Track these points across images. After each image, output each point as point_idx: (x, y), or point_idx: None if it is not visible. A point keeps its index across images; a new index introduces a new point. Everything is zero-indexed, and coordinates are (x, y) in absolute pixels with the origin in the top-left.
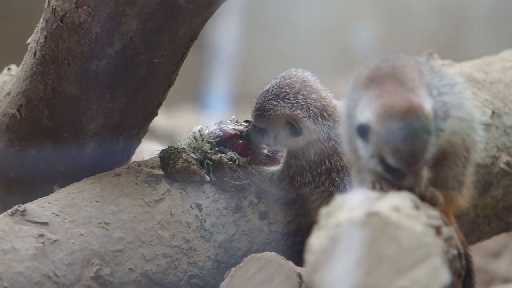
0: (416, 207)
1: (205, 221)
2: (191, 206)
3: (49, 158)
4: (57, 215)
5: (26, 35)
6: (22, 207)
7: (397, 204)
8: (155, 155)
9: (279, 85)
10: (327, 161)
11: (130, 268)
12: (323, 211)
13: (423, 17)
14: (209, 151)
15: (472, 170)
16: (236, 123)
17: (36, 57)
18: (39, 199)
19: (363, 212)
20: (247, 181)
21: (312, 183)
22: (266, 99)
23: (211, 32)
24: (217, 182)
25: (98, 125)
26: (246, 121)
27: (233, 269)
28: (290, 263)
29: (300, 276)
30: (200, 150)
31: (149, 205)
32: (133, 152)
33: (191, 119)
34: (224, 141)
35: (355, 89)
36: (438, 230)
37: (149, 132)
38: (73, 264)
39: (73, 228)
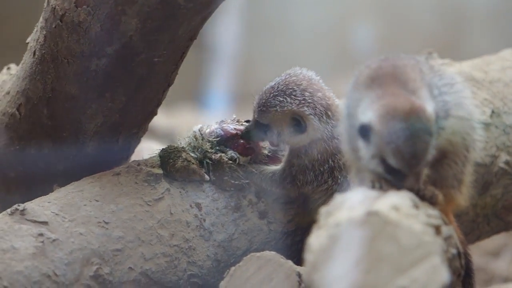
0: (416, 206)
1: (204, 220)
2: (190, 205)
3: (49, 157)
4: (56, 214)
5: (25, 34)
6: (21, 206)
7: (396, 203)
8: (155, 154)
9: (285, 82)
10: (330, 160)
11: (130, 267)
12: (323, 210)
13: (422, 17)
14: (209, 150)
15: (472, 169)
16: (237, 123)
17: (36, 56)
18: (38, 198)
19: (362, 212)
20: (247, 181)
21: (314, 182)
22: (272, 95)
23: (211, 31)
24: (216, 181)
25: (97, 124)
26: (247, 121)
27: (233, 268)
28: (290, 262)
29: (299, 275)
30: (200, 149)
31: (148, 204)
32: (133, 151)
33: (190, 118)
34: (225, 140)
35: (356, 88)
36: (437, 229)
37: (149, 131)
38: (73, 263)
39: (73, 227)
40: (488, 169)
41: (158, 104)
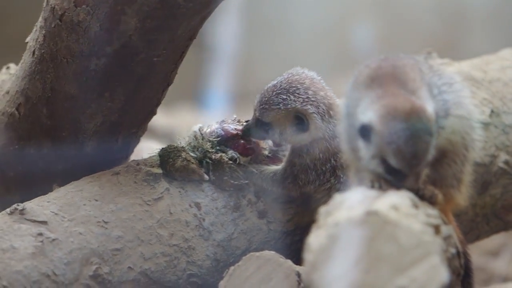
0: (415, 206)
1: (204, 220)
2: (190, 205)
3: (48, 156)
4: (56, 214)
5: (25, 34)
6: (21, 205)
7: (396, 203)
8: (154, 154)
9: (288, 81)
10: (332, 159)
11: (129, 267)
12: (322, 210)
13: (422, 17)
14: (209, 150)
15: (471, 169)
16: (238, 123)
17: (35, 56)
18: (38, 198)
19: (362, 211)
20: (246, 181)
21: (316, 181)
22: (275, 93)
23: (211, 31)
24: (216, 181)
25: (97, 124)
26: (247, 121)
27: (232, 268)
28: (289, 262)
29: (299, 275)
30: (200, 149)
31: (148, 204)
32: (132, 151)
33: (190, 118)
34: (225, 140)
35: (355, 88)
36: (437, 229)
37: (148, 131)
38: (72, 263)
39: (72, 227)
40: (488, 169)
41: (157, 104)
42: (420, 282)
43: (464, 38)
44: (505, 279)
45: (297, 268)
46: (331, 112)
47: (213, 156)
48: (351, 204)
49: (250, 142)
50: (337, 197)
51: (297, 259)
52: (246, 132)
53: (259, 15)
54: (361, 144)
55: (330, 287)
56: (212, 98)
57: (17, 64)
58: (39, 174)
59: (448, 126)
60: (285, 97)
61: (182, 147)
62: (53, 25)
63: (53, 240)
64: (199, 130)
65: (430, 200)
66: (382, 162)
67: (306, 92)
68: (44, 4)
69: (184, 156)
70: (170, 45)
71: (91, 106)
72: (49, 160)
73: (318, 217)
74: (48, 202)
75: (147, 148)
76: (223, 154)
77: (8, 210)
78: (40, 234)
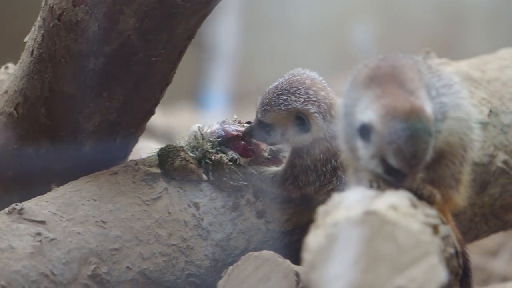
0: (414, 206)
1: (202, 219)
2: (188, 205)
3: (47, 156)
4: (54, 213)
5: (23, 33)
6: (19, 205)
7: (394, 202)
8: (153, 154)
9: (288, 81)
10: (332, 160)
11: (128, 267)
12: (321, 209)
13: (421, 16)
14: (210, 150)
15: (469, 169)
16: (238, 124)
17: (34, 55)
18: (36, 197)
19: (360, 211)
20: (245, 183)
21: (317, 182)
22: (276, 94)
23: (209, 30)
24: (215, 181)
25: (95, 124)
26: (248, 122)
27: (231, 267)
28: (288, 262)
29: (297, 274)
30: (200, 149)
31: (146, 204)
32: (131, 151)
33: (188, 118)
34: (226, 141)
35: (354, 88)
36: (435, 229)
37: (147, 131)
38: (71, 262)
39: (71, 227)
40: (486, 169)
41: (156, 103)
42: (419, 282)
43: (463, 37)
44: (504, 279)
45: (296, 267)
46: (332, 112)
47: (213, 157)
48: (349, 204)
49: (250, 144)
50: (336, 197)
51: (296, 259)
52: (248, 134)
53: (258, 15)
54: (360, 143)
55: (329, 287)
56: (210, 97)
57: (15, 63)
58: (37, 173)
59: (445, 129)
60: (286, 97)
61: (181, 147)
62: (51, 25)
63: (52, 240)
64: (200, 130)
65: (429, 200)
66: (381, 161)
67: (307, 92)
68: (43, 3)
69: (183, 156)
70: (169, 44)
71: (89, 105)
72: (48, 159)
73: (317, 217)
74: (46, 202)
75: (145, 148)
76: (223, 155)
77: (6, 209)
78: (39, 234)
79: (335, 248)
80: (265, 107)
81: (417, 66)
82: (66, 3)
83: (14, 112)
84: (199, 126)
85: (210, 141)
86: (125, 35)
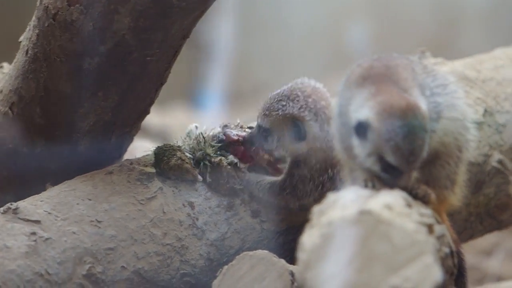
0: (408, 205)
1: (197, 219)
2: (183, 204)
3: (42, 156)
4: (49, 213)
5: (18, 33)
6: (14, 205)
7: (389, 202)
8: (148, 153)
9: (290, 88)
10: (329, 170)
11: (122, 266)
12: (315, 209)
13: (416, 16)
14: (211, 154)
15: (465, 169)
16: (240, 129)
17: (28, 55)
18: (31, 197)
19: (355, 210)
20: (241, 187)
21: (315, 192)
22: (276, 100)
23: (205, 30)
24: (212, 183)
25: (90, 123)
26: (249, 127)
27: (225, 267)
28: (282, 261)
29: (292, 274)
30: (202, 152)
31: (141, 203)
32: (126, 150)
33: (183, 117)
34: (226, 145)
35: (347, 87)
36: (430, 228)
37: (142, 130)
38: (65, 262)
39: (65, 226)
40: (481, 168)
41: (151, 103)
42: (414, 282)
43: (458, 37)
44: (498, 279)
45: (291, 267)
46: (331, 121)
47: (213, 159)
48: (344, 204)
49: (250, 150)
50: (331, 197)
51: (291, 258)
52: (248, 140)
53: (253, 14)
54: (356, 141)
55: (324, 287)
56: (206, 97)
57: (10, 63)
58: (32, 173)
59: (441, 129)
60: (284, 103)
61: (178, 146)
62: (46, 24)
63: (46, 239)
64: (201, 134)
65: (424, 200)
66: (378, 159)
67: (305, 100)
68: (38, 3)
69: (179, 155)
70: (164, 44)
71: (84, 105)
72: (43, 159)
73: (312, 217)
74: (41, 201)
75: (140, 147)
76: (223, 158)
77: (1, 209)
78: (33, 233)
79: (330, 248)
80: (264, 112)
81: (411, 66)
82: (61, 3)
83: (9, 111)
84: (196, 126)
85: (212, 146)
86: (120, 34)
